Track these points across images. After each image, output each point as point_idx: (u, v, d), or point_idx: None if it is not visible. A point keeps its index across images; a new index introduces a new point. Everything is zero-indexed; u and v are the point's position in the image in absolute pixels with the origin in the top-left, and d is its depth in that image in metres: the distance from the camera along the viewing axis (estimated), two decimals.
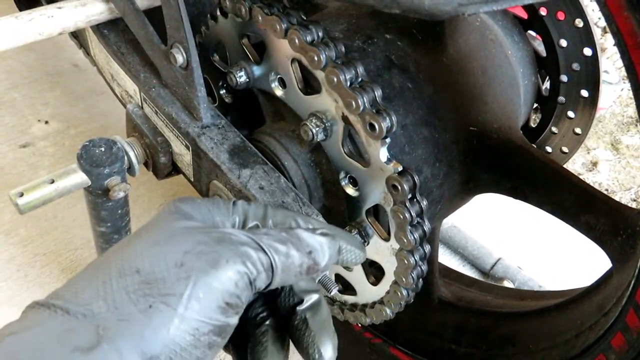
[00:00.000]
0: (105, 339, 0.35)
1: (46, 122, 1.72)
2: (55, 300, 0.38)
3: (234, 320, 0.41)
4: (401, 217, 0.61)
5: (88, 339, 0.35)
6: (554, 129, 0.93)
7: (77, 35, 1.08)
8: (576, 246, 1.41)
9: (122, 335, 0.36)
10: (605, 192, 2.17)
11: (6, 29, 0.75)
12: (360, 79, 0.59)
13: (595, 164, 2.28)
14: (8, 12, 1.32)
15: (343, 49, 0.61)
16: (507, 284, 1.43)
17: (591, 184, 2.20)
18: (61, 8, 0.79)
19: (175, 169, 0.84)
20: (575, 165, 2.24)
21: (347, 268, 0.77)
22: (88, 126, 1.74)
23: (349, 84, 0.58)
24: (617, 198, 2.09)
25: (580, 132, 0.90)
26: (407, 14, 0.43)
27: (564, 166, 0.98)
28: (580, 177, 2.37)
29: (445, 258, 1.52)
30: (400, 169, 0.60)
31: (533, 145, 0.97)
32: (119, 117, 1.73)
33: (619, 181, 2.21)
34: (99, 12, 0.81)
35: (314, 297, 0.51)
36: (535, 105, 0.94)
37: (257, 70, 0.72)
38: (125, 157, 0.79)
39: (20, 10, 1.32)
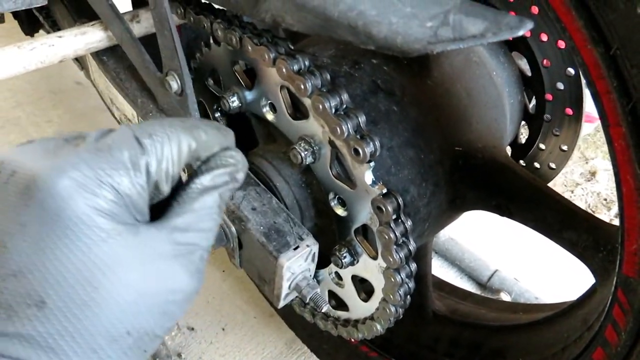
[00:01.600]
0: None
1: None
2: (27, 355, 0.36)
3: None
4: (386, 237, 0.64)
5: None
6: (541, 146, 0.95)
7: (78, 58, 1.11)
8: (572, 258, 1.42)
9: None
10: (604, 202, 2.18)
11: (9, 58, 0.78)
12: (345, 106, 0.62)
13: (593, 173, 2.29)
14: (13, 31, 1.36)
15: (328, 77, 0.63)
16: (503, 295, 1.45)
17: (590, 193, 2.22)
18: (62, 37, 0.82)
19: None
20: (573, 175, 2.26)
21: (338, 283, 0.80)
22: None
23: (334, 110, 0.61)
24: (615, 207, 2.11)
25: (566, 149, 0.92)
26: (381, 50, 0.46)
27: (558, 183, 1.00)
28: (579, 186, 2.36)
29: (443, 270, 1.54)
30: (384, 191, 0.62)
31: (521, 162, 0.99)
32: None
33: None
34: (98, 39, 0.85)
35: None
36: (523, 122, 0.96)
37: (249, 96, 0.75)
38: None
39: (24, 31, 1.37)
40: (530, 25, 0.42)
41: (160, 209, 0.43)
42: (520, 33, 0.41)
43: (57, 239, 0.37)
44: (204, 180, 0.44)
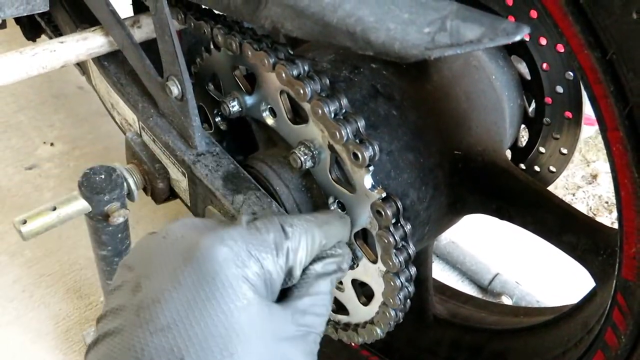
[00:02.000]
0: None
1: (51, 144, 1.76)
2: None
3: None
4: (386, 241, 0.64)
5: None
6: (541, 149, 0.96)
7: (79, 63, 1.12)
8: (573, 261, 1.42)
9: None
10: (606, 204, 2.18)
11: (11, 64, 0.79)
12: (344, 110, 0.62)
13: (595, 176, 2.29)
14: (15, 35, 1.37)
15: (328, 81, 0.64)
16: (505, 299, 1.45)
17: (591, 196, 2.22)
18: (63, 42, 0.83)
19: (173, 195, 0.87)
20: (575, 178, 2.26)
21: (339, 286, 0.80)
22: (93, 147, 1.78)
23: (333, 115, 0.61)
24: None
25: (566, 152, 0.92)
26: (379, 56, 0.46)
27: (559, 185, 1.00)
28: (581, 189, 2.36)
29: (444, 273, 1.54)
30: (384, 195, 0.63)
31: (521, 166, 0.99)
32: (123, 139, 1.78)
33: None
34: (99, 45, 0.85)
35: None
36: (523, 126, 0.97)
37: (249, 100, 0.75)
38: (125, 184, 0.82)
39: (26, 37, 1.37)
40: (526, 30, 0.42)
41: (280, 293, 0.49)
42: (517, 39, 0.42)
43: (207, 299, 0.40)
44: (317, 267, 0.52)
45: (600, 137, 2.05)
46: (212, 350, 0.38)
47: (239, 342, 0.39)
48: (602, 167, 2.32)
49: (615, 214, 2.09)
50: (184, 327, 0.39)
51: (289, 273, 0.48)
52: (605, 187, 2.25)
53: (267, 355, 0.41)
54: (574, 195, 2.19)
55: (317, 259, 0.53)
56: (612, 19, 0.42)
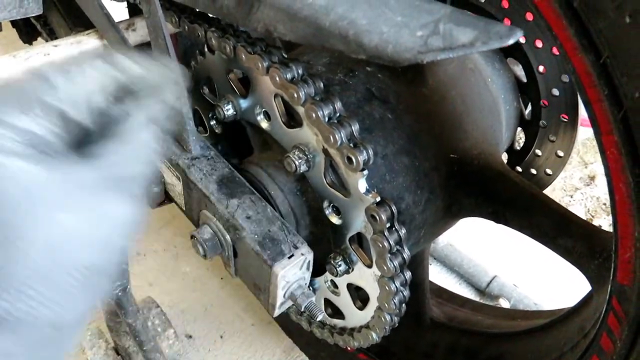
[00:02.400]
0: None
1: None
2: None
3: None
4: (380, 245, 0.64)
5: None
6: (537, 152, 0.95)
7: None
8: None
9: None
10: (603, 206, 2.18)
11: (5, 68, 0.78)
12: (338, 114, 0.62)
13: (592, 178, 2.29)
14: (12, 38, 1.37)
15: (322, 85, 0.63)
16: (502, 301, 1.44)
17: (589, 198, 2.22)
18: (57, 46, 0.82)
19: (168, 198, 0.86)
20: (573, 179, 2.26)
21: (334, 292, 0.79)
22: None
23: (327, 119, 0.61)
24: None
25: (562, 155, 0.92)
26: (372, 60, 0.46)
27: (557, 187, 1.00)
28: (578, 191, 2.36)
29: (441, 276, 1.53)
30: (378, 199, 0.62)
31: (518, 168, 0.99)
32: None
33: None
34: (93, 48, 0.85)
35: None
36: (519, 128, 0.96)
37: (243, 104, 0.75)
38: None
39: (22, 39, 1.37)
40: (519, 34, 0.42)
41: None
42: (510, 42, 0.41)
43: None
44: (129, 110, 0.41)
45: None
46: None
47: (19, 215, 0.35)
48: (600, 168, 2.31)
49: None
50: None
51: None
52: (603, 188, 2.25)
53: (66, 215, 0.36)
54: (571, 197, 2.18)
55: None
56: (606, 22, 0.42)
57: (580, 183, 2.26)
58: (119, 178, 0.39)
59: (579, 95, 0.85)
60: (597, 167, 2.31)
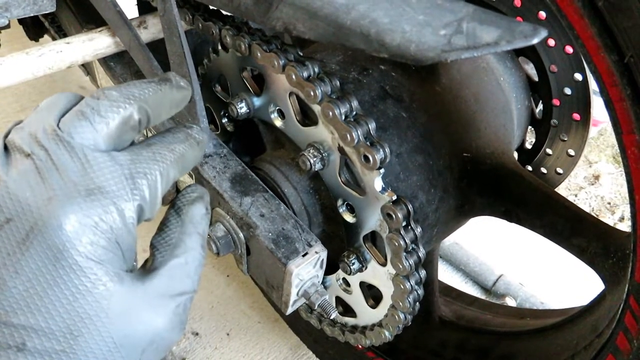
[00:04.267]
0: None
1: None
2: None
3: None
4: (396, 244, 0.64)
5: None
6: (548, 151, 0.95)
7: (84, 65, 1.11)
8: (577, 262, 1.42)
9: None
10: (608, 205, 2.18)
11: (17, 65, 0.78)
12: (354, 113, 0.62)
13: (597, 177, 2.29)
14: (18, 35, 1.37)
15: (338, 83, 0.63)
16: (509, 300, 1.44)
17: (594, 197, 2.22)
18: (69, 43, 0.82)
19: None
20: (577, 179, 2.26)
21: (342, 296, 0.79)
22: None
23: (344, 117, 0.61)
24: (619, 211, 2.10)
25: (573, 154, 0.92)
26: (394, 58, 0.46)
27: (561, 186, 1.00)
28: (583, 190, 2.36)
29: (448, 275, 1.53)
30: (394, 198, 0.62)
31: (528, 167, 0.99)
32: None
33: (621, 194, 2.22)
34: (105, 45, 0.85)
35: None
36: (530, 127, 0.96)
37: (257, 102, 0.74)
38: None
39: (29, 37, 1.37)
40: (544, 33, 0.42)
41: None
42: (535, 41, 0.41)
43: (47, 286, 0.38)
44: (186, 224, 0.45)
45: (602, 138, 2.04)
46: (55, 335, 0.37)
47: (83, 324, 0.38)
48: (605, 168, 2.32)
49: (617, 215, 2.09)
50: (23, 314, 0.37)
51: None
52: (608, 188, 2.25)
53: (120, 331, 0.39)
54: (576, 196, 2.19)
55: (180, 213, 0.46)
56: (632, 21, 0.42)
57: (585, 182, 2.26)
58: (174, 299, 0.42)
59: (592, 94, 0.85)
60: (602, 167, 2.30)
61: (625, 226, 2.02)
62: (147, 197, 0.41)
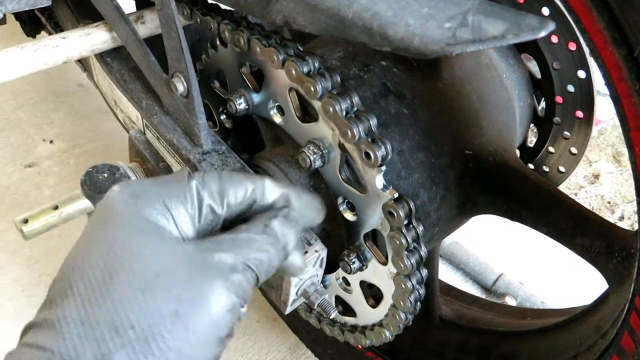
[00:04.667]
0: None
1: (51, 142, 1.74)
2: (44, 341, 0.37)
3: (228, 342, 0.41)
4: (398, 242, 0.63)
5: None
6: (550, 149, 0.94)
7: (81, 60, 1.10)
8: (578, 262, 1.41)
9: None
10: (608, 205, 2.17)
11: (13, 60, 0.77)
12: (355, 109, 0.61)
13: (597, 176, 2.28)
14: (15, 32, 1.35)
15: (339, 79, 0.62)
16: (509, 300, 1.44)
17: (593, 196, 2.21)
18: (65, 38, 0.81)
19: None
20: (577, 178, 2.25)
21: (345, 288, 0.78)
22: (93, 145, 1.76)
23: (344, 113, 0.60)
24: (619, 210, 2.09)
25: (576, 152, 0.91)
26: (397, 52, 0.45)
27: (561, 185, 0.99)
28: (583, 189, 2.35)
29: (448, 274, 1.52)
30: (396, 195, 0.61)
31: (530, 166, 0.98)
32: (124, 136, 1.76)
33: (621, 193, 2.21)
34: (102, 41, 0.84)
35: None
36: (532, 125, 0.95)
37: (256, 98, 0.73)
38: None
39: (26, 33, 1.35)
40: (552, 26, 0.41)
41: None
42: (542, 34, 0.40)
43: (97, 234, 0.40)
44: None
45: (602, 137, 2.03)
46: (95, 274, 0.38)
47: (120, 265, 0.38)
48: (604, 167, 2.32)
49: (617, 214, 2.09)
50: (74, 263, 0.39)
51: (212, 212, 0.44)
52: (607, 187, 2.25)
53: (154, 278, 0.39)
54: (576, 195, 2.18)
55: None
56: None
57: (585, 181, 2.25)
58: (232, 267, 0.43)
59: (595, 92, 0.84)
60: (602, 166, 2.30)
61: (626, 225, 2.01)
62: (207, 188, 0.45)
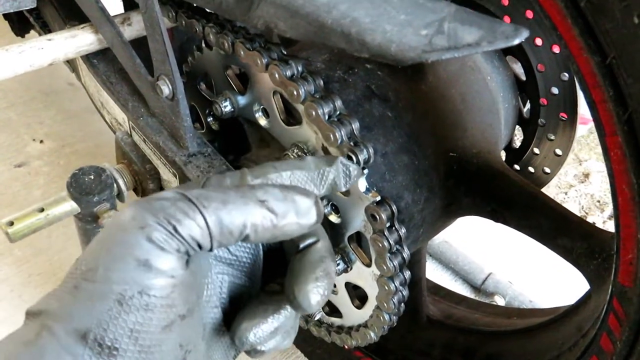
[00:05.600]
0: (45, 328, 0.36)
1: (41, 141, 1.74)
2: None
3: (167, 276, 0.38)
4: (380, 245, 0.63)
5: (33, 333, 0.37)
6: (535, 150, 0.95)
7: (69, 61, 1.10)
8: (565, 261, 1.42)
9: (56, 319, 0.37)
10: (598, 203, 2.18)
11: None
12: (338, 112, 0.61)
13: (587, 175, 2.29)
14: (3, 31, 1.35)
15: (322, 83, 0.63)
16: (498, 298, 1.45)
17: (583, 195, 2.22)
18: (51, 40, 0.81)
19: None
20: (567, 176, 2.26)
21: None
22: (83, 145, 1.75)
23: (327, 117, 0.60)
24: (608, 209, 2.11)
25: (560, 154, 0.92)
26: (374, 59, 0.45)
27: (551, 184, 1.00)
28: (573, 188, 2.37)
29: (437, 273, 1.53)
30: (378, 198, 0.62)
31: (516, 167, 0.99)
32: (114, 136, 1.76)
33: (610, 192, 2.23)
34: (88, 43, 0.84)
35: (307, 241, 0.49)
36: (518, 126, 0.96)
37: (241, 100, 0.74)
38: (115, 185, 0.81)
39: (15, 32, 1.35)
40: (525, 34, 0.41)
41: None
42: (516, 42, 0.41)
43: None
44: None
45: (592, 136, 2.05)
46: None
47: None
48: (594, 166, 2.33)
49: (607, 213, 2.10)
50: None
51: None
52: (597, 186, 2.26)
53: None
54: (566, 194, 2.19)
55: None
56: (613, 23, 0.41)
57: (575, 180, 2.27)
58: None
59: (579, 93, 0.85)
60: (592, 165, 2.31)
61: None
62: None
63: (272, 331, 0.46)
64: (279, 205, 0.42)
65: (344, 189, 0.55)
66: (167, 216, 0.38)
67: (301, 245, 0.49)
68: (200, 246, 0.39)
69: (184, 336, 0.40)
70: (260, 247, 0.51)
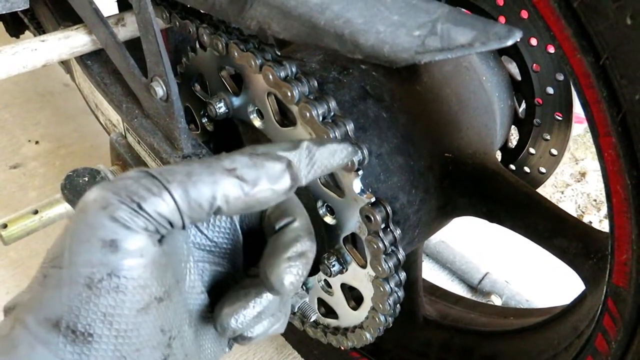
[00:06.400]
0: (17, 321, 0.36)
1: (37, 142, 1.73)
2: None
3: (136, 255, 0.36)
4: (375, 246, 0.63)
5: (8, 327, 0.36)
6: (531, 150, 0.95)
7: (63, 62, 1.10)
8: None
9: (27, 310, 0.36)
10: (594, 203, 2.19)
11: None
12: (332, 113, 0.61)
13: (583, 174, 2.30)
14: None
15: (316, 83, 0.62)
16: (494, 298, 1.45)
17: (580, 194, 2.22)
18: (45, 41, 0.80)
19: None
20: (564, 176, 2.27)
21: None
22: (79, 146, 1.75)
23: (321, 118, 0.60)
24: (605, 208, 2.11)
25: (556, 153, 0.92)
26: (367, 60, 0.45)
27: (548, 183, 1.00)
28: (569, 187, 2.37)
29: (434, 273, 1.53)
30: (373, 200, 0.62)
31: (511, 167, 0.99)
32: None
33: None
34: (82, 44, 0.83)
35: (284, 221, 0.47)
36: (513, 126, 0.96)
37: (236, 101, 0.73)
38: None
39: (9, 33, 1.34)
40: (519, 35, 0.41)
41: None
42: (509, 43, 0.41)
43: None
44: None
45: (588, 135, 2.06)
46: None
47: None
48: (591, 165, 2.34)
49: (603, 212, 2.10)
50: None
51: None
52: (594, 185, 2.27)
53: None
54: (562, 193, 2.19)
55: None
56: (607, 23, 0.41)
57: (571, 179, 2.27)
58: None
59: (574, 93, 0.85)
60: (588, 164, 2.32)
61: None
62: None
63: (255, 316, 0.44)
64: (249, 172, 0.39)
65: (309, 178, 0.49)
66: (129, 194, 0.36)
67: (277, 226, 0.46)
68: (171, 224, 0.37)
69: (165, 320, 0.38)
70: (239, 231, 0.48)
